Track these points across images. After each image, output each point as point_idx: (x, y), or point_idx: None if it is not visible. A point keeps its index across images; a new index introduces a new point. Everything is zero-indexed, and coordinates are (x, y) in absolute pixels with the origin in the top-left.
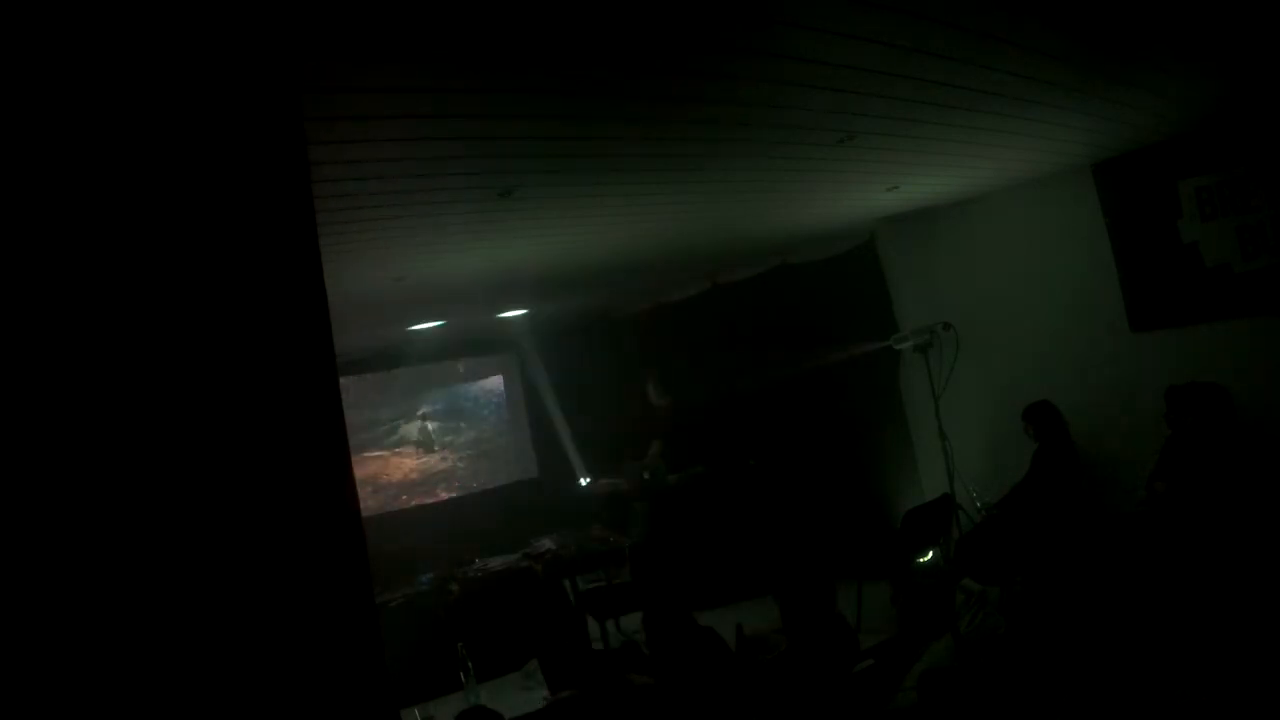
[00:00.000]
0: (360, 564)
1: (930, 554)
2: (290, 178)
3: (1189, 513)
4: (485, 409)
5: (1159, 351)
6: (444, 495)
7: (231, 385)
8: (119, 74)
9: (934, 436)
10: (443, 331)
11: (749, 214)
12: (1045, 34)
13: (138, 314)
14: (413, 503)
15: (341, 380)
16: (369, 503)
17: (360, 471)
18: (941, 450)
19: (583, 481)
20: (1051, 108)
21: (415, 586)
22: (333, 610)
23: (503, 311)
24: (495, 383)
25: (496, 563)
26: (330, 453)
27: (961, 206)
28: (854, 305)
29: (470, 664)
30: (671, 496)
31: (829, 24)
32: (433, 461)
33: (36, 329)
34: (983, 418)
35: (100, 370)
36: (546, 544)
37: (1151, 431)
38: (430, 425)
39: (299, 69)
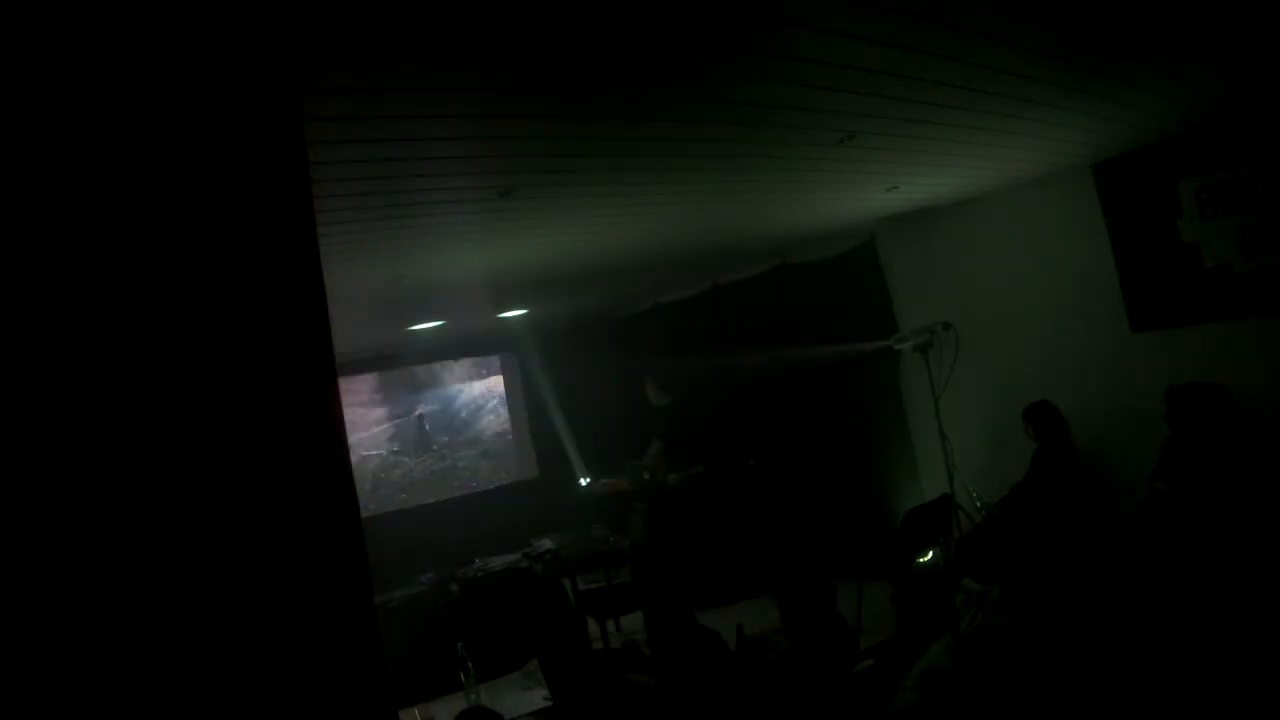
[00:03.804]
0: (360, 564)
1: (930, 554)
2: (290, 178)
3: (1189, 513)
4: (485, 409)
5: (1159, 351)
6: (444, 495)
7: (231, 385)
8: (120, 73)
9: (934, 436)
10: (443, 331)
11: (749, 214)
12: (1045, 34)
13: (138, 315)
14: (413, 503)
15: (341, 380)
16: (369, 503)
17: (360, 471)
18: (941, 450)
19: (583, 481)
20: (1051, 108)
21: (415, 586)
22: (333, 610)
23: (503, 311)
24: (495, 383)
25: (496, 563)
26: (330, 453)
27: (961, 206)
28: (854, 305)
29: (470, 664)
30: (671, 496)
31: (829, 24)
32: (432, 461)
33: (36, 330)
34: (983, 418)
35: (100, 370)
36: (546, 544)
37: (1151, 431)
38: (429, 425)
39: (299, 69)
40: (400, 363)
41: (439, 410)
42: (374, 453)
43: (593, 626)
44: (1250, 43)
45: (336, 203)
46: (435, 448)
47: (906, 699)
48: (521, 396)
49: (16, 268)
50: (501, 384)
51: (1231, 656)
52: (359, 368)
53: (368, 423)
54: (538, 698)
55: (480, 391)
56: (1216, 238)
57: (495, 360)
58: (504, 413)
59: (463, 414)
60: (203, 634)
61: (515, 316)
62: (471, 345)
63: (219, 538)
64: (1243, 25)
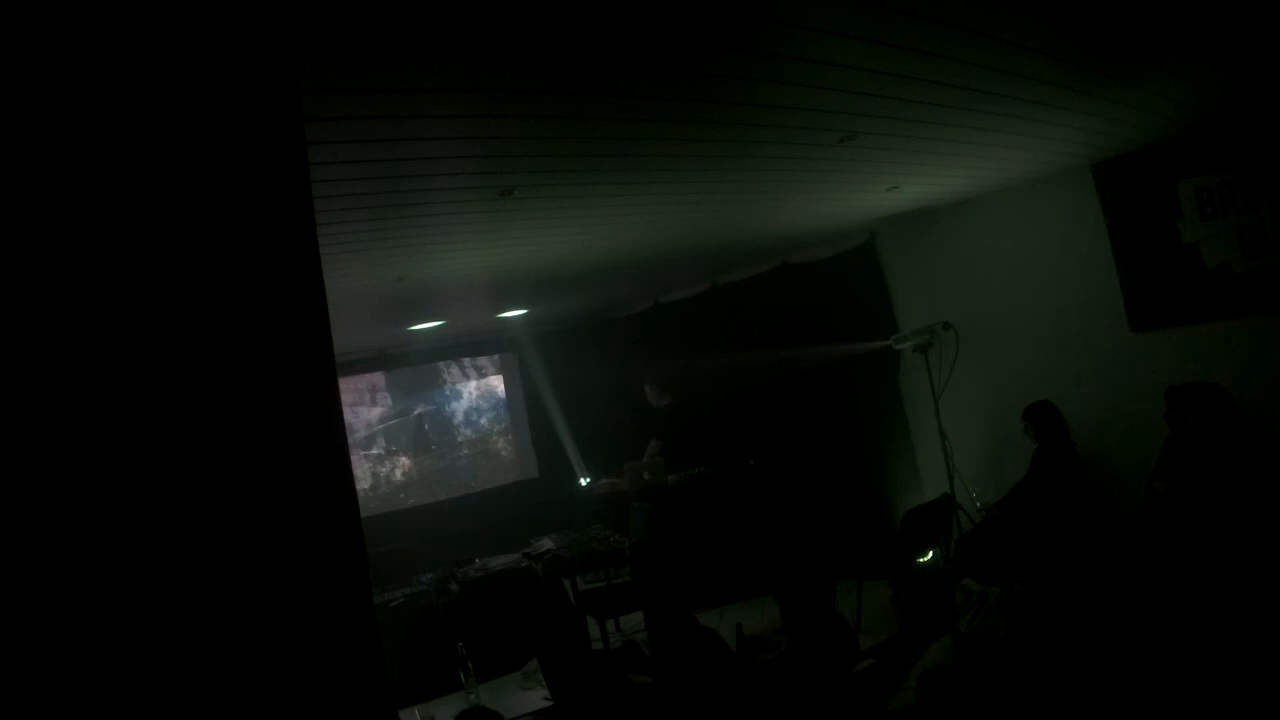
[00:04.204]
0: (360, 564)
1: (930, 554)
2: (290, 178)
3: (1189, 513)
4: (485, 409)
5: (1159, 351)
6: (444, 495)
7: (230, 385)
8: (120, 73)
9: (934, 436)
10: (443, 331)
11: (749, 214)
12: (1046, 34)
13: (137, 315)
14: (412, 503)
15: (341, 380)
16: (369, 503)
17: (359, 471)
18: (941, 450)
19: (583, 481)
20: (1052, 108)
21: (415, 586)
22: (332, 610)
23: (503, 311)
24: (495, 383)
25: (496, 563)
26: (330, 453)
27: (961, 206)
28: (854, 305)
29: (470, 664)
30: (671, 496)
31: (829, 24)
32: (432, 461)
33: (34, 330)
34: (983, 418)
35: (99, 370)
36: (546, 544)
37: (1151, 431)
38: (428, 425)
39: (299, 69)
40: (400, 363)
41: (439, 410)
42: (374, 453)
43: (593, 626)
44: (1251, 43)
45: (336, 203)
46: (435, 447)
47: (906, 699)
48: (521, 396)
49: (15, 268)
50: (501, 384)
51: (1231, 656)
52: (359, 368)
53: (367, 423)
54: (538, 698)
55: (480, 391)
56: (1216, 238)
57: (495, 360)
58: (504, 413)
59: (462, 414)
60: (202, 634)
61: (515, 316)
62: (471, 345)
63: (218, 538)
64: (1243, 25)
